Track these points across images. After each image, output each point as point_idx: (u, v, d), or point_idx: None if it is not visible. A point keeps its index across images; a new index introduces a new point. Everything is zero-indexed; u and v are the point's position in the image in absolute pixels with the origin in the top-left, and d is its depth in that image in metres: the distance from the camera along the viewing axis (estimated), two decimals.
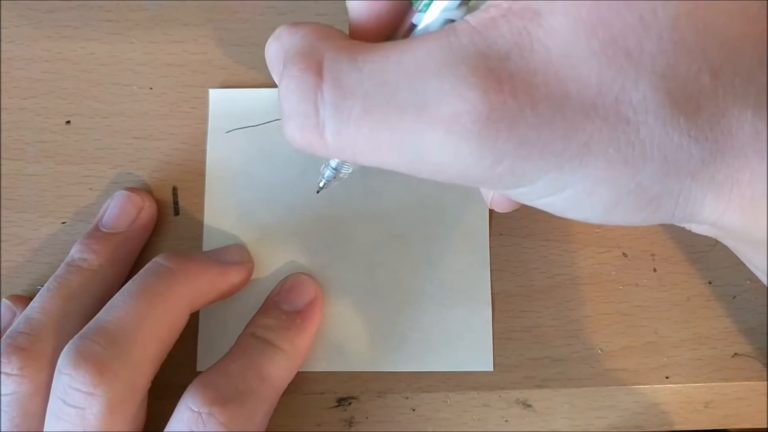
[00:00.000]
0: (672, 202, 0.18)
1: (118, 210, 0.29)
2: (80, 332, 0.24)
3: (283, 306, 0.28)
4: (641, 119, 0.17)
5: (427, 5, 0.20)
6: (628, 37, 0.17)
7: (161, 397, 0.26)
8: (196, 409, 0.23)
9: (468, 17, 0.18)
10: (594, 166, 0.18)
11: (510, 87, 0.17)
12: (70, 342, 0.23)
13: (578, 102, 0.17)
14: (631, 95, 0.17)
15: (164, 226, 0.30)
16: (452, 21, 0.19)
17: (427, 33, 0.18)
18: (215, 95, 0.31)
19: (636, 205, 0.19)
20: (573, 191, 0.18)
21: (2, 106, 0.31)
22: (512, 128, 0.17)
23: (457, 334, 0.29)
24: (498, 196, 0.25)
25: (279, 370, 0.26)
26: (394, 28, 0.21)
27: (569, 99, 0.17)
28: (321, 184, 0.27)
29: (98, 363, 0.23)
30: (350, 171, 0.26)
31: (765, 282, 0.23)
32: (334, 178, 0.26)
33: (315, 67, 0.18)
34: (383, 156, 0.18)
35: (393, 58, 0.18)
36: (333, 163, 0.25)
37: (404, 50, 0.18)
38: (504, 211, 0.26)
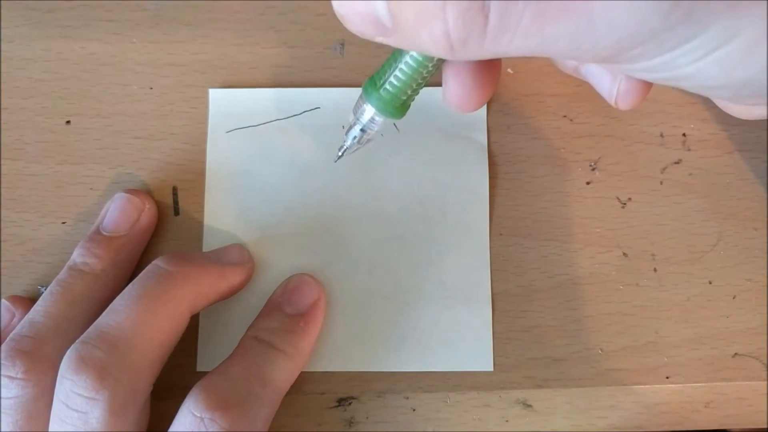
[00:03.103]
0: None
1: (119, 213, 0.29)
2: (81, 337, 0.24)
3: (286, 308, 0.28)
4: None
5: None
6: None
7: (162, 398, 0.26)
8: (198, 414, 0.23)
9: None
10: None
11: None
12: (72, 347, 0.23)
13: None
14: None
15: (164, 226, 0.30)
16: None
17: None
18: (215, 95, 0.31)
19: None
20: (746, 36, 0.17)
21: (2, 106, 0.31)
22: None
23: (457, 334, 0.29)
24: (626, 85, 0.23)
25: (282, 374, 0.26)
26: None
27: None
28: (345, 146, 0.26)
29: (99, 368, 0.23)
30: (375, 130, 0.25)
31: None
32: (358, 141, 0.25)
33: None
34: (550, 29, 0.17)
35: None
36: (364, 118, 0.24)
37: None
38: (630, 106, 0.24)
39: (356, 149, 0.26)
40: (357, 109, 0.24)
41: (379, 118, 0.24)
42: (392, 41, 0.19)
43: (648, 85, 0.23)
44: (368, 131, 0.25)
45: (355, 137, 0.25)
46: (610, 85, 0.24)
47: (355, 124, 0.25)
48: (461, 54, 0.18)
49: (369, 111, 0.24)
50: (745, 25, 0.17)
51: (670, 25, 0.17)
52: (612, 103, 0.24)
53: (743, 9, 0.17)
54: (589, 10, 0.17)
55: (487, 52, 0.18)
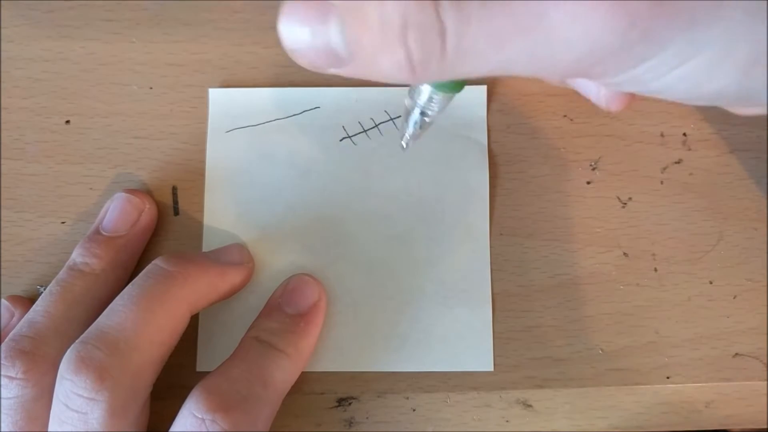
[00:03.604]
0: None
1: (119, 213, 0.29)
2: (81, 337, 0.24)
3: (287, 308, 0.28)
4: None
5: None
6: None
7: (162, 398, 0.26)
8: (199, 416, 0.23)
9: None
10: (731, 18, 0.16)
11: None
12: (71, 347, 0.23)
13: None
14: None
15: (164, 226, 0.30)
16: None
17: None
18: (215, 95, 0.31)
19: None
20: (708, 54, 0.17)
21: (2, 106, 0.31)
22: None
23: (458, 334, 0.29)
24: (609, 90, 0.23)
25: (283, 374, 0.26)
26: None
27: None
28: (407, 134, 0.25)
29: (99, 368, 0.23)
30: (436, 111, 0.24)
31: None
32: (420, 126, 0.24)
33: None
34: (508, 50, 0.17)
35: None
36: (422, 99, 0.24)
37: None
38: (620, 107, 0.24)
39: (419, 135, 0.25)
40: (412, 92, 0.24)
41: (437, 96, 0.23)
42: (347, 71, 0.19)
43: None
44: (429, 112, 0.24)
45: (416, 122, 0.24)
46: (596, 91, 0.24)
47: (414, 108, 0.24)
48: (423, 78, 0.18)
49: (426, 90, 0.23)
50: (705, 43, 0.17)
51: (628, 44, 0.17)
52: (603, 107, 0.24)
53: (702, 28, 0.17)
54: (545, 32, 0.17)
55: (449, 74, 0.18)
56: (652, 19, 0.16)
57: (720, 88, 0.18)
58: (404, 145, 0.26)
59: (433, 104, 0.24)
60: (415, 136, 0.25)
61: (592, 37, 0.17)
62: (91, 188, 0.30)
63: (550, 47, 0.17)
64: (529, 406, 0.29)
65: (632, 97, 0.24)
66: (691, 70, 0.18)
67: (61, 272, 0.27)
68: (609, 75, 0.19)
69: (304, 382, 0.29)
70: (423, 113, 0.24)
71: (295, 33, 0.18)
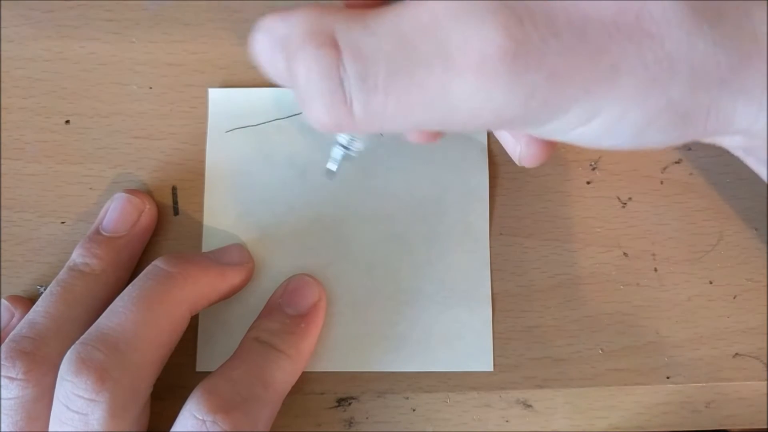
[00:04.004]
0: (703, 115, 0.18)
1: (119, 213, 0.29)
2: (81, 338, 0.24)
3: (287, 309, 0.28)
4: (665, 32, 0.17)
5: None
6: None
7: (162, 398, 0.26)
8: (200, 417, 0.23)
9: None
10: (624, 87, 0.17)
11: (530, 20, 0.17)
12: (72, 348, 0.23)
13: (600, 24, 0.17)
14: (651, 9, 0.17)
15: (164, 226, 0.30)
16: None
17: None
18: (215, 95, 0.31)
19: (668, 123, 0.18)
20: (605, 117, 0.18)
21: (2, 106, 0.31)
22: (540, 59, 0.17)
23: (457, 334, 0.29)
24: (526, 149, 0.25)
25: (283, 375, 0.26)
26: None
27: (590, 22, 0.17)
28: (332, 168, 0.26)
29: (99, 369, 0.23)
30: (362, 147, 0.25)
31: None
32: (344, 157, 0.25)
33: (329, 42, 0.18)
34: (415, 117, 0.18)
35: (407, 15, 0.18)
36: (342, 140, 0.25)
37: (417, 4, 0.18)
38: (533, 165, 0.26)
39: (349, 162, 0.26)
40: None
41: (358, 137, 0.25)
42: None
43: (549, 146, 0.24)
44: (352, 148, 0.25)
45: (341, 156, 0.25)
46: (513, 146, 0.25)
47: (335, 144, 0.25)
48: (343, 131, 0.19)
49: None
50: (603, 107, 0.18)
51: (530, 111, 0.18)
52: (517, 163, 0.25)
53: (598, 97, 0.18)
54: (451, 101, 0.18)
55: (364, 131, 0.19)
56: (549, 92, 0.17)
57: (619, 143, 0.19)
58: (331, 170, 0.26)
59: (356, 142, 0.25)
60: (341, 166, 0.26)
61: (495, 107, 0.18)
62: (91, 188, 0.30)
63: (459, 114, 0.18)
64: (529, 406, 0.29)
65: (547, 155, 0.25)
66: (591, 129, 0.19)
67: (61, 272, 0.27)
68: (519, 130, 0.20)
69: (304, 382, 0.29)
70: (347, 147, 0.25)
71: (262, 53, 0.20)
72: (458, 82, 0.17)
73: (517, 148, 0.25)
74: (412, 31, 0.17)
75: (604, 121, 0.18)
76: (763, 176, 0.23)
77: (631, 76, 0.17)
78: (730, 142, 0.20)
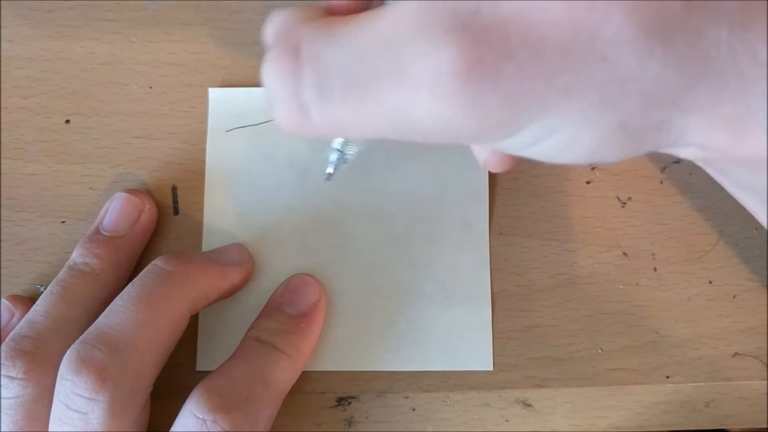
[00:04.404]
0: (655, 132, 0.18)
1: (119, 213, 0.29)
2: (81, 337, 0.24)
3: (287, 309, 0.28)
4: (618, 55, 0.17)
5: None
6: None
7: (162, 398, 0.26)
8: (200, 416, 0.23)
9: None
10: (576, 110, 0.18)
11: (485, 40, 0.17)
12: (72, 347, 0.23)
13: (554, 45, 0.17)
14: (604, 31, 0.17)
15: (164, 225, 0.30)
16: None
17: None
18: (215, 94, 0.31)
19: (621, 141, 0.19)
20: (559, 137, 0.18)
21: (2, 106, 0.31)
22: (493, 81, 0.17)
23: (457, 334, 0.29)
24: (491, 157, 0.25)
25: (283, 375, 0.26)
26: None
27: (545, 44, 0.17)
28: (330, 171, 0.26)
29: (99, 369, 0.23)
30: (356, 150, 0.25)
31: (752, 206, 0.23)
32: (340, 160, 0.26)
33: (292, 50, 0.18)
34: (372, 127, 0.19)
35: (367, 28, 0.18)
36: (336, 144, 0.25)
37: (378, 18, 0.18)
38: (499, 171, 0.26)
39: (345, 166, 0.26)
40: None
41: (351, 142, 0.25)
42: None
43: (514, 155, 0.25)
44: (348, 152, 0.25)
45: (337, 159, 0.26)
46: (478, 154, 0.26)
47: (331, 148, 0.25)
48: (307, 136, 0.19)
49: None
50: (557, 127, 0.18)
51: (485, 130, 0.18)
52: (483, 168, 0.26)
53: (553, 115, 0.18)
54: (407, 117, 0.18)
55: (328, 136, 0.20)
56: (503, 112, 0.17)
57: (574, 160, 0.20)
58: (328, 173, 0.26)
59: (350, 146, 0.25)
60: (338, 170, 0.26)
61: (450, 125, 0.18)
62: (91, 188, 0.30)
63: (416, 128, 0.18)
64: (529, 405, 0.29)
65: (512, 163, 0.25)
66: (547, 147, 0.19)
67: (61, 272, 0.27)
68: (478, 144, 0.21)
69: (304, 381, 0.29)
70: (341, 151, 0.25)
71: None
72: (413, 100, 0.17)
73: (482, 155, 0.25)
74: (370, 45, 0.18)
75: (558, 140, 0.19)
76: (725, 186, 0.23)
77: (584, 98, 0.17)
78: (687, 154, 0.21)
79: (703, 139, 0.19)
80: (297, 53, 0.18)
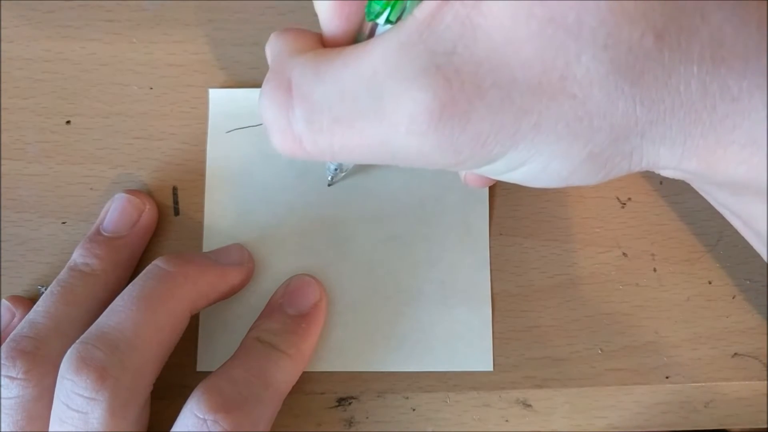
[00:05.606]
0: (626, 160, 0.19)
1: (119, 213, 0.29)
2: (81, 337, 0.24)
3: (288, 309, 0.28)
4: (587, 93, 0.18)
5: (378, 15, 0.20)
6: (566, 13, 0.17)
7: (162, 397, 0.26)
8: (201, 416, 0.24)
9: (416, 11, 0.18)
10: (545, 143, 0.18)
11: (458, 82, 0.18)
12: (72, 347, 0.24)
13: (525, 85, 0.18)
14: (575, 71, 0.17)
15: (164, 226, 0.30)
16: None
17: (382, 34, 0.19)
18: (215, 95, 0.31)
19: (590, 170, 0.19)
20: (530, 167, 0.19)
21: (2, 106, 0.31)
22: (465, 120, 0.18)
23: (457, 334, 0.29)
24: (470, 176, 0.27)
25: (284, 375, 0.26)
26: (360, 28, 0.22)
27: (516, 83, 0.18)
28: (330, 178, 0.29)
29: (100, 368, 0.23)
30: (351, 164, 0.27)
31: (736, 222, 0.23)
32: (338, 171, 0.28)
33: (285, 84, 0.19)
34: (359, 156, 0.20)
35: (351, 66, 0.19)
36: None
37: (361, 56, 0.19)
38: (479, 187, 0.28)
39: (344, 173, 0.28)
40: None
41: None
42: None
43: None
44: (344, 164, 0.27)
45: (335, 169, 0.28)
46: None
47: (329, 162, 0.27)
48: (300, 159, 0.21)
49: None
50: (527, 159, 0.19)
51: (461, 161, 0.19)
52: (463, 183, 0.28)
53: (523, 149, 0.19)
54: (390, 149, 0.19)
55: (320, 160, 0.21)
56: (474, 148, 0.18)
57: (547, 186, 0.21)
58: (329, 180, 0.29)
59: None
60: (337, 177, 0.29)
61: (428, 159, 0.19)
62: (91, 188, 0.30)
63: (400, 158, 0.20)
64: (529, 405, 0.29)
65: (491, 181, 0.27)
66: (520, 175, 0.20)
67: (61, 273, 0.27)
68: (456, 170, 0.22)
69: (304, 382, 0.29)
70: (340, 163, 0.28)
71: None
72: (392, 135, 0.18)
73: (462, 173, 0.27)
74: (353, 84, 0.19)
75: (529, 169, 0.20)
76: (709, 200, 0.23)
77: (553, 132, 0.18)
78: (667, 174, 0.21)
79: (675, 165, 0.19)
80: (289, 88, 0.19)
